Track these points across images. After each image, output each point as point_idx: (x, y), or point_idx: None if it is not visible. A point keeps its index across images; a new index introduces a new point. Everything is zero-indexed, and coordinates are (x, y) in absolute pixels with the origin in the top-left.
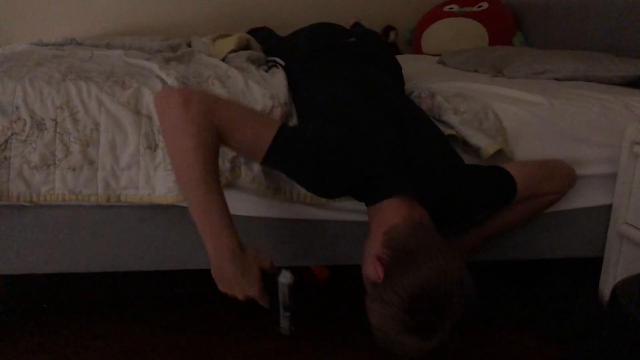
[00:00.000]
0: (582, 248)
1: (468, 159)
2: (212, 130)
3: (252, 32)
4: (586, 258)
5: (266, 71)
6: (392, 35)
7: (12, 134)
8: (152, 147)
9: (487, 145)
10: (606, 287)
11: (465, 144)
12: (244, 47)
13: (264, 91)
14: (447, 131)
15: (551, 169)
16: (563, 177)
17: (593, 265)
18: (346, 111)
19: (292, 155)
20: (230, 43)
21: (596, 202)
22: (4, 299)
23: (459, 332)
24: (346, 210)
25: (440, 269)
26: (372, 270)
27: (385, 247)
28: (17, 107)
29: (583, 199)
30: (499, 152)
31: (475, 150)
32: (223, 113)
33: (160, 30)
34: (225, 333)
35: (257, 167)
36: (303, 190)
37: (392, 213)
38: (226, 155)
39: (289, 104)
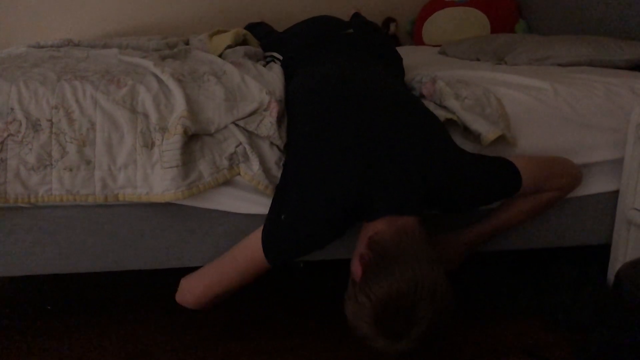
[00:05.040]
0: (589, 235)
1: (469, 146)
2: (214, 301)
3: (249, 27)
4: (594, 246)
5: (265, 66)
6: (392, 27)
7: (7, 136)
8: (149, 145)
9: (488, 131)
10: (614, 274)
11: (466, 129)
12: (240, 42)
13: (261, 86)
14: (446, 115)
15: (558, 166)
16: (569, 175)
17: (601, 253)
18: (311, 162)
19: (287, 242)
20: (226, 39)
21: (603, 188)
22: (6, 301)
23: (432, 339)
24: None
25: (412, 279)
26: (354, 268)
27: (368, 249)
28: (12, 109)
29: (589, 185)
30: (501, 139)
31: (475, 136)
32: (212, 288)
33: (160, 31)
34: (228, 331)
35: (256, 165)
36: None
37: (380, 221)
38: (224, 152)
39: (285, 101)
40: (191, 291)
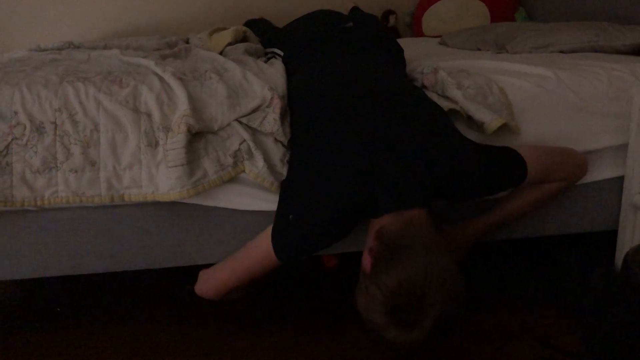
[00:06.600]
0: (596, 222)
1: (472, 135)
2: (230, 293)
3: (249, 23)
4: (601, 232)
5: (265, 62)
6: (392, 20)
7: (12, 139)
8: (153, 145)
9: (491, 120)
10: (622, 259)
11: (469, 119)
12: (240, 39)
13: (263, 83)
14: (449, 106)
15: (563, 156)
16: (575, 165)
17: (608, 239)
18: (317, 159)
19: (296, 242)
20: (226, 36)
21: (608, 174)
22: (16, 304)
23: (445, 328)
24: None
25: (421, 268)
26: (364, 261)
27: (377, 241)
28: (15, 112)
29: (594, 172)
30: (505, 127)
31: (479, 126)
32: (227, 282)
33: (159, 30)
34: (236, 328)
35: (260, 162)
36: None
37: (387, 216)
38: (227, 150)
39: (287, 97)
40: (208, 284)
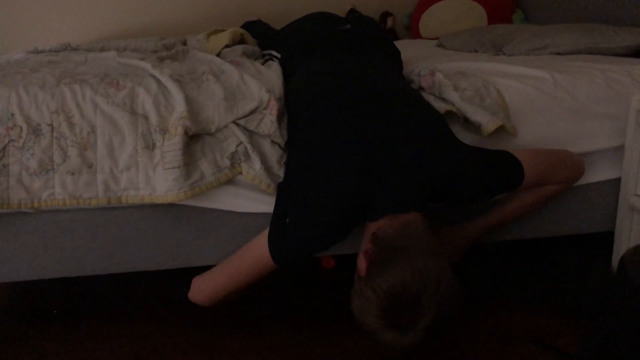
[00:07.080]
0: (593, 223)
1: (469, 136)
2: (225, 299)
3: (246, 25)
4: (598, 233)
5: (263, 64)
6: (389, 22)
7: (9, 141)
8: (150, 147)
9: (488, 122)
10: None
11: (466, 120)
12: (238, 41)
13: (260, 85)
14: (446, 107)
15: (560, 159)
16: (571, 167)
17: (605, 240)
18: (314, 160)
19: (293, 245)
20: (224, 38)
21: (605, 176)
22: (14, 307)
23: (440, 331)
24: None
25: (415, 270)
26: (359, 264)
27: (372, 244)
28: (12, 114)
29: (591, 173)
30: (501, 129)
31: (476, 127)
32: (223, 286)
33: (157, 32)
34: (235, 329)
35: (257, 164)
36: None
37: (383, 218)
38: (224, 152)
39: (284, 98)
40: (202, 291)
